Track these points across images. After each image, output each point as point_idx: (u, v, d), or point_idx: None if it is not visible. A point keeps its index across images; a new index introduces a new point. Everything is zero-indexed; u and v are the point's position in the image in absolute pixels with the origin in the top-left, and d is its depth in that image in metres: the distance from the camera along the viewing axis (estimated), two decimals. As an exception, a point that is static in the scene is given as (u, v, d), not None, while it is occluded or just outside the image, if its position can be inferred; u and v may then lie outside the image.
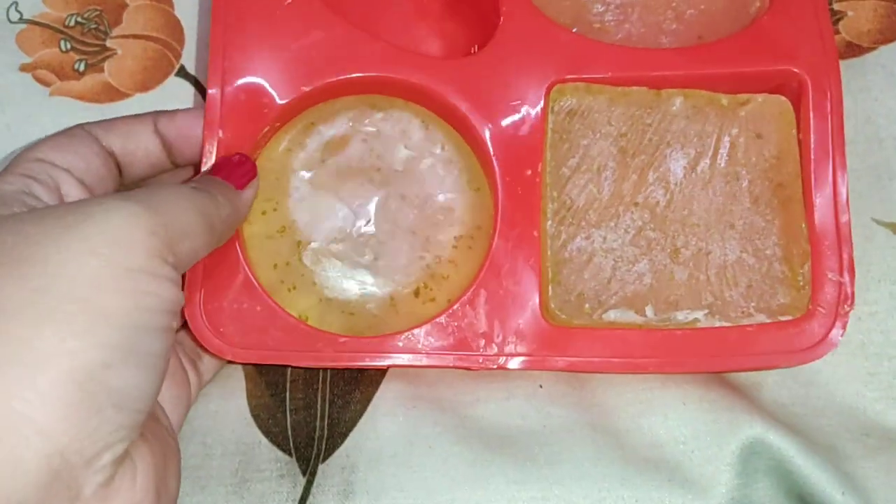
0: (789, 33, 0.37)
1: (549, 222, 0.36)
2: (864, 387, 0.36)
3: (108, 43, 0.41)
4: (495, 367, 0.34)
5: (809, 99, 0.36)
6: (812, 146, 0.36)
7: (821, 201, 0.35)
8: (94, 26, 0.41)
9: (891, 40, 0.42)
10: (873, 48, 0.42)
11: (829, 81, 0.36)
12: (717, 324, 0.35)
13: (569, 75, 0.37)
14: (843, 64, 0.41)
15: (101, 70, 0.40)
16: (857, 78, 0.41)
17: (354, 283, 0.36)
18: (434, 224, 0.36)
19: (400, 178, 0.37)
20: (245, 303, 0.34)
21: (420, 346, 0.34)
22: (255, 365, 0.37)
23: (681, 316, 0.35)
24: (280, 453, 0.35)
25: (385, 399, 0.36)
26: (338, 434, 0.35)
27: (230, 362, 0.36)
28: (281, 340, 0.34)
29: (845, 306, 0.34)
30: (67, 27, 0.41)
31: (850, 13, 0.42)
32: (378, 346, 0.34)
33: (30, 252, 0.24)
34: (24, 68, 0.40)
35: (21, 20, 0.41)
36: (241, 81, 0.35)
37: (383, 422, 0.35)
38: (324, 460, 0.35)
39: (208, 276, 0.34)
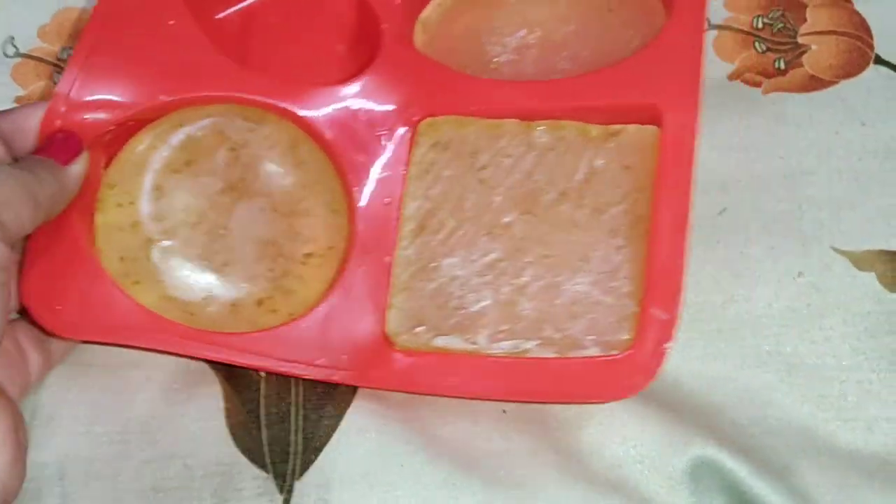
0: (657, 69, 0.37)
1: (402, 251, 0.37)
2: (817, 408, 0.38)
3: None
4: (324, 380, 0.35)
5: (665, 133, 0.36)
6: (659, 175, 0.35)
7: (659, 231, 0.34)
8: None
9: (852, 75, 0.43)
10: (835, 82, 0.43)
11: (683, 116, 0.35)
12: (547, 355, 0.35)
13: (435, 110, 0.38)
14: (805, 97, 0.43)
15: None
16: (818, 110, 0.42)
17: (200, 285, 0.36)
18: (288, 238, 0.37)
19: (261, 190, 0.37)
20: (87, 285, 0.35)
21: (260, 349, 0.35)
22: (230, 382, 0.38)
23: (508, 345, 0.35)
24: (258, 471, 0.36)
25: (357, 415, 0.37)
26: (312, 448, 0.36)
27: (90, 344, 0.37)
28: (124, 322, 0.35)
29: (665, 343, 0.33)
30: (61, 60, 0.43)
31: (813, 47, 0.44)
32: (220, 341, 0.35)
33: None
34: (18, 101, 0.42)
35: (17, 54, 0.43)
36: (96, 80, 0.37)
37: (356, 438, 0.36)
38: (299, 477, 0.36)
39: (48, 257, 0.35)
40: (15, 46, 0.43)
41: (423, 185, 0.38)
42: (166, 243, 0.37)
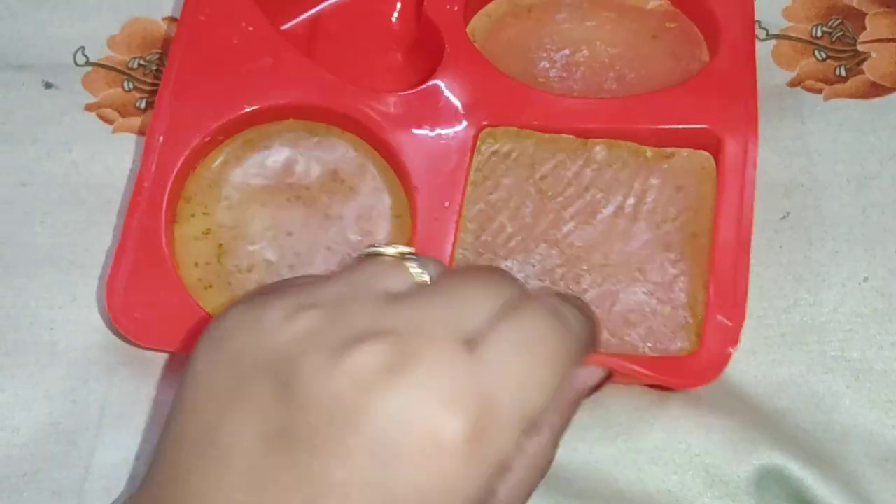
0: (713, 95, 0.38)
1: (459, 251, 0.37)
2: (885, 414, 0.37)
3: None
4: None
5: (725, 156, 0.37)
6: (723, 199, 0.37)
7: (722, 248, 0.36)
8: (154, 68, 0.44)
9: (914, 81, 0.43)
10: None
11: (744, 140, 0.37)
12: None
13: (498, 119, 0.39)
14: (867, 103, 0.43)
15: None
16: (880, 116, 0.42)
17: None
18: (352, 244, 0.38)
19: (326, 198, 0.39)
20: (163, 294, 0.36)
21: None
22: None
23: None
24: None
25: None
26: None
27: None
28: (190, 333, 0.35)
29: (728, 348, 0.35)
30: (130, 69, 0.44)
31: (873, 55, 0.44)
32: None
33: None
34: (88, 108, 0.43)
35: (87, 63, 0.44)
36: (189, 94, 0.38)
37: None
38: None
39: (131, 265, 0.36)
40: (85, 56, 0.45)
41: (483, 190, 0.38)
42: (235, 250, 0.38)
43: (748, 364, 0.38)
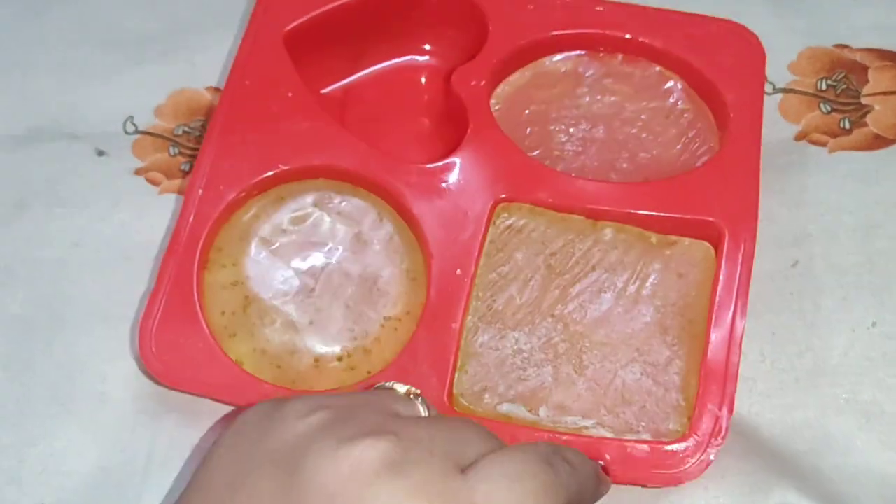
0: (718, 186, 0.40)
1: (470, 318, 0.39)
2: (897, 455, 0.39)
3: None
4: None
5: (724, 248, 0.39)
6: (719, 290, 0.38)
7: (716, 340, 0.38)
8: (198, 134, 0.47)
9: (916, 132, 0.45)
10: (898, 140, 0.45)
11: (744, 235, 0.39)
12: (603, 434, 0.37)
13: (515, 195, 0.41)
14: (869, 155, 0.45)
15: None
16: (884, 167, 0.44)
17: (287, 341, 0.39)
18: (369, 302, 0.40)
19: (348, 256, 0.41)
20: (191, 339, 0.38)
21: None
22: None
23: (570, 420, 0.37)
24: None
25: None
26: None
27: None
28: (215, 378, 0.38)
29: (718, 438, 0.36)
30: (176, 136, 0.47)
31: (876, 107, 0.46)
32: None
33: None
34: (137, 172, 0.47)
35: (136, 131, 0.47)
36: (229, 151, 0.41)
37: None
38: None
39: (165, 311, 0.38)
40: (134, 124, 0.48)
41: (496, 261, 0.40)
42: (261, 301, 0.40)
43: (763, 407, 0.40)
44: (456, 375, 0.39)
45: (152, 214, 0.45)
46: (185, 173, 0.46)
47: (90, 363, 0.42)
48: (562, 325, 0.39)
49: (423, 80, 0.47)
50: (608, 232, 0.41)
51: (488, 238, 0.41)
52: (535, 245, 0.40)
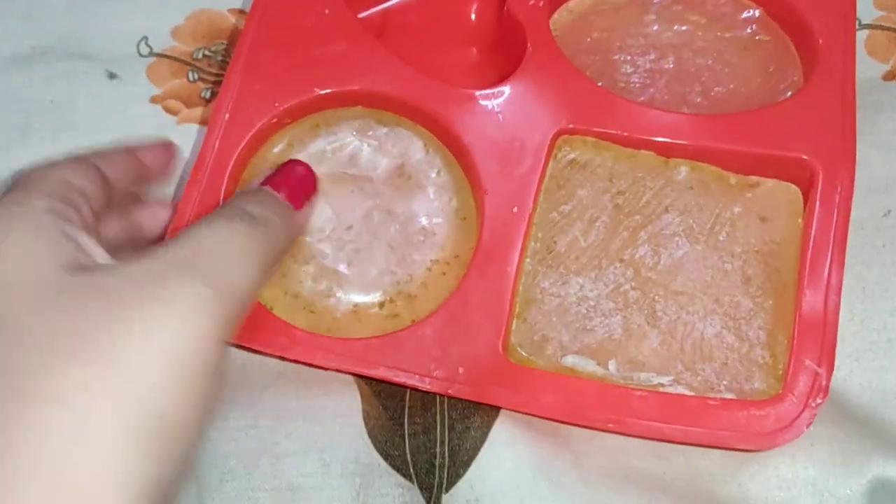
0: (810, 121, 0.36)
1: (528, 260, 0.35)
2: None
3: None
4: (440, 392, 0.33)
5: (818, 190, 0.35)
6: (812, 237, 0.35)
7: (812, 291, 0.34)
8: (220, 59, 0.42)
9: None
10: None
11: (841, 175, 0.35)
12: (682, 392, 0.33)
13: (578, 125, 0.36)
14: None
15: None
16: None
17: (323, 284, 0.35)
18: (413, 244, 0.36)
19: (390, 193, 0.37)
20: None
21: (374, 356, 0.33)
22: (370, 385, 0.37)
23: (644, 377, 0.34)
24: (401, 478, 0.34)
25: (505, 427, 0.35)
26: (460, 463, 0.34)
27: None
28: (246, 323, 0.34)
29: (818, 398, 0.32)
30: (195, 60, 0.42)
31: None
32: (332, 346, 0.34)
33: (95, 343, 0.21)
34: (154, 99, 0.42)
35: (151, 54, 0.43)
36: (259, 73, 0.37)
37: (505, 452, 0.35)
38: (447, 490, 0.34)
39: None
40: (149, 46, 0.43)
41: (556, 199, 0.36)
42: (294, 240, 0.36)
43: (852, 370, 0.36)
44: (514, 323, 0.34)
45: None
46: (207, 101, 0.42)
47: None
48: (632, 271, 0.35)
49: (472, 4, 0.43)
50: (683, 170, 0.36)
51: (548, 173, 0.36)
52: (601, 182, 0.36)
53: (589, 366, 0.34)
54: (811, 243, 0.35)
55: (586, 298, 0.35)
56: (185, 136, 0.41)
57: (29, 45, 0.43)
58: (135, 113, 0.42)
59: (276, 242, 0.27)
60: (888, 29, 0.42)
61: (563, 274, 0.35)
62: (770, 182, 0.36)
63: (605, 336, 0.34)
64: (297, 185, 0.30)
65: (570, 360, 0.34)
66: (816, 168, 0.35)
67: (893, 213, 0.38)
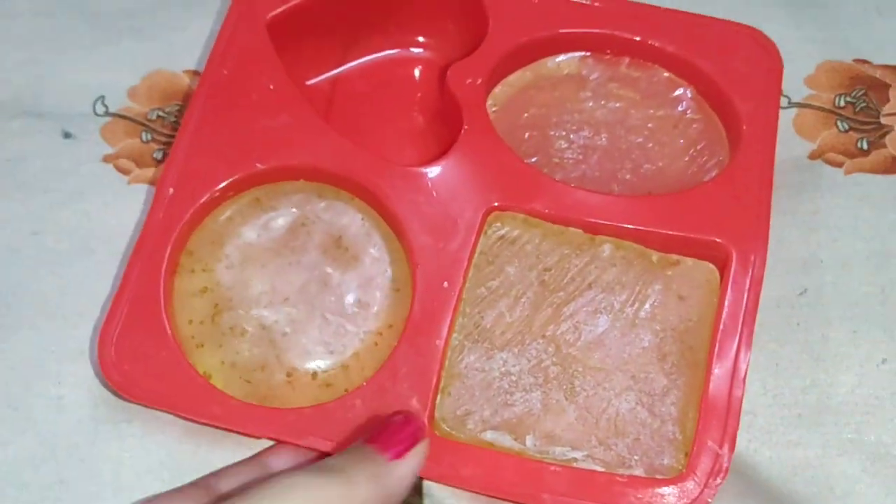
0: (727, 205, 0.38)
1: (456, 335, 0.36)
2: None
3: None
4: None
5: (731, 272, 0.37)
6: (723, 319, 0.36)
7: (719, 372, 0.35)
8: (173, 119, 0.44)
9: (934, 156, 0.43)
10: (917, 164, 0.43)
11: (753, 258, 0.37)
12: (593, 468, 0.35)
13: (508, 203, 0.38)
14: (886, 179, 0.42)
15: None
16: (902, 191, 0.42)
17: (259, 354, 0.37)
18: (348, 315, 0.38)
19: (328, 264, 0.38)
20: (154, 349, 0.35)
21: (304, 426, 0.35)
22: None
23: (559, 451, 0.35)
24: None
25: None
26: None
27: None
28: (178, 391, 0.35)
29: (718, 478, 0.34)
30: (150, 120, 0.44)
31: (896, 128, 0.44)
32: (264, 416, 0.35)
33: None
34: (106, 159, 0.43)
35: (107, 113, 0.44)
36: (204, 147, 0.38)
37: None
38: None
39: (128, 317, 0.36)
40: (105, 106, 0.45)
41: (485, 275, 0.37)
42: (231, 311, 0.38)
43: (763, 444, 0.38)
44: (438, 398, 0.36)
45: (120, 205, 0.42)
46: (158, 162, 0.43)
47: (45, 364, 0.39)
48: (553, 347, 0.37)
49: (418, 74, 0.44)
50: (607, 248, 0.38)
51: (478, 249, 0.38)
52: (529, 259, 0.38)
53: (506, 441, 0.35)
54: (721, 325, 0.36)
55: (509, 374, 0.36)
56: (135, 196, 0.43)
57: (-16, 101, 0.44)
58: (87, 171, 0.43)
59: (350, 487, 0.27)
60: (817, 108, 0.44)
61: (489, 349, 0.37)
62: (689, 261, 0.38)
63: (525, 411, 0.36)
64: (393, 434, 0.30)
65: (489, 435, 0.35)
66: (730, 251, 0.37)
67: (810, 292, 0.40)
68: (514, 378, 0.36)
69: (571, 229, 0.38)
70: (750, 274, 0.37)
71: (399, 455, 0.29)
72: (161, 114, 0.44)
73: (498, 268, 0.38)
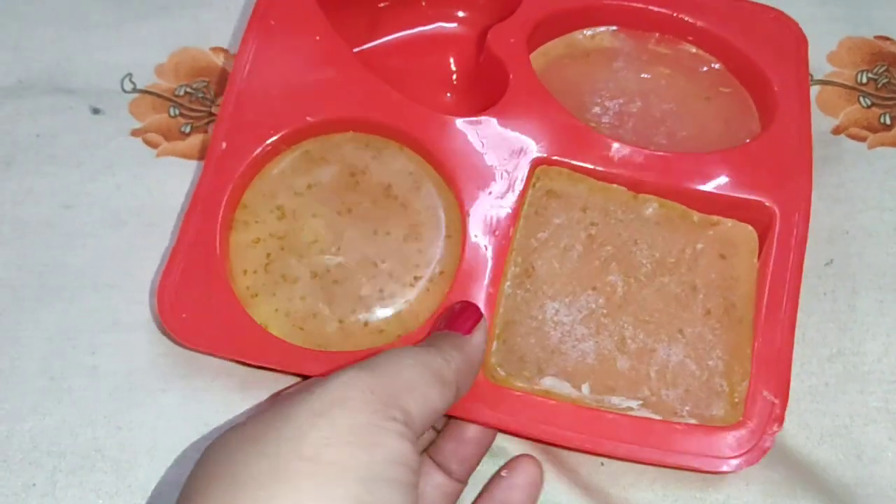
0: (769, 165, 0.38)
1: (508, 283, 0.37)
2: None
3: (213, 109, 0.45)
4: None
5: (776, 231, 0.37)
6: (770, 274, 0.37)
7: (769, 326, 0.36)
8: (201, 96, 0.44)
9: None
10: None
11: (797, 218, 0.38)
12: (649, 416, 0.35)
13: (556, 155, 0.38)
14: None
15: (205, 131, 0.44)
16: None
17: (311, 302, 0.37)
18: (399, 261, 0.38)
19: (378, 213, 0.38)
20: (212, 298, 0.36)
21: None
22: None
23: (615, 400, 0.35)
24: None
25: None
26: None
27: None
28: (236, 338, 0.35)
29: (774, 426, 0.35)
30: (177, 96, 0.44)
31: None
32: (321, 359, 0.35)
33: (263, 425, 0.27)
34: (134, 133, 0.44)
35: (134, 90, 0.44)
36: (253, 101, 0.39)
37: None
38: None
39: (186, 268, 0.36)
40: (133, 83, 0.45)
41: (534, 225, 0.38)
42: (283, 260, 0.38)
43: (790, 412, 0.37)
44: (494, 344, 0.36)
45: (149, 178, 0.43)
46: (186, 135, 0.44)
47: (79, 335, 0.39)
48: (603, 299, 0.37)
49: (450, 49, 0.45)
50: (651, 206, 0.38)
51: (527, 201, 0.38)
52: (575, 212, 0.38)
53: (565, 388, 0.36)
54: (768, 281, 0.37)
55: (561, 323, 0.37)
56: (164, 169, 0.43)
57: (16, 79, 0.45)
58: (115, 146, 0.43)
59: (448, 360, 0.31)
60: (839, 85, 0.45)
61: (540, 298, 0.37)
62: (729, 222, 0.38)
63: (579, 360, 0.36)
64: (456, 316, 0.34)
65: (547, 381, 0.36)
66: (774, 211, 0.38)
67: (836, 263, 0.40)
68: (566, 328, 0.37)
69: (615, 186, 0.39)
70: (795, 233, 0.37)
71: (469, 330, 0.33)
72: (189, 90, 0.45)
73: (546, 220, 0.38)
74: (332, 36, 0.40)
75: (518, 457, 0.36)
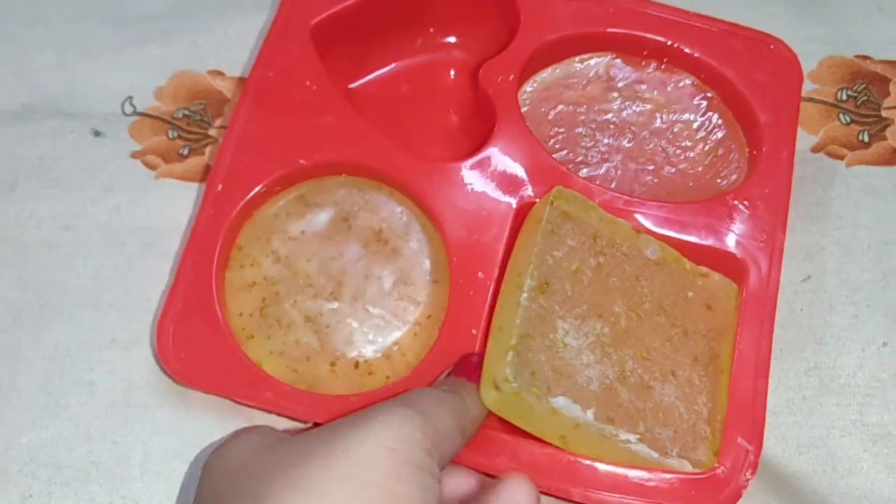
0: (742, 218, 0.40)
1: (524, 295, 0.36)
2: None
3: (210, 131, 0.46)
4: None
5: (748, 282, 0.39)
6: (744, 325, 0.38)
7: (743, 374, 0.37)
8: (199, 118, 0.46)
9: (935, 148, 0.44)
10: (917, 155, 0.44)
11: (768, 271, 0.39)
12: (646, 452, 0.36)
13: (538, 199, 0.39)
14: (887, 170, 0.44)
15: (202, 154, 0.45)
16: (901, 181, 0.43)
17: (304, 344, 0.39)
18: (391, 307, 0.39)
19: (369, 257, 0.40)
20: (209, 338, 0.37)
21: (350, 412, 0.35)
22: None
23: (615, 432, 0.36)
24: None
25: None
26: None
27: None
28: (232, 378, 0.37)
29: (746, 474, 0.36)
30: (175, 119, 0.46)
31: (897, 120, 0.45)
32: (313, 402, 0.37)
33: (332, 446, 0.29)
34: (133, 155, 0.45)
35: (134, 113, 0.46)
36: (251, 145, 0.40)
37: None
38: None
39: (183, 309, 0.38)
40: (133, 105, 0.46)
41: (550, 243, 0.38)
42: (278, 304, 0.39)
43: (768, 424, 0.38)
44: (509, 355, 0.35)
45: (148, 200, 0.44)
46: (184, 157, 0.45)
47: (78, 353, 0.40)
48: (608, 328, 0.37)
49: (452, 74, 0.46)
50: (651, 246, 0.39)
51: (545, 217, 0.38)
52: (587, 238, 0.39)
53: (573, 410, 0.35)
54: (741, 331, 0.38)
55: (570, 346, 0.37)
56: (161, 191, 0.44)
57: (20, 103, 0.46)
58: (115, 167, 0.45)
59: (468, 410, 0.34)
60: (819, 102, 0.46)
61: (553, 317, 0.37)
62: (716, 276, 0.40)
63: (584, 385, 0.36)
64: (474, 368, 0.36)
65: (560, 401, 0.35)
66: (746, 264, 0.39)
67: (812, 279, 0.41)
68: (574, 350, 0.37)
69: (621, 221, 0.40)
70: (766, 285, 0.39)
71: (477, 379, 0.35)
72: (186, 112, 0.46)
73: (561, 239, 0.38)
74: (328, 85, 0.41)
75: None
